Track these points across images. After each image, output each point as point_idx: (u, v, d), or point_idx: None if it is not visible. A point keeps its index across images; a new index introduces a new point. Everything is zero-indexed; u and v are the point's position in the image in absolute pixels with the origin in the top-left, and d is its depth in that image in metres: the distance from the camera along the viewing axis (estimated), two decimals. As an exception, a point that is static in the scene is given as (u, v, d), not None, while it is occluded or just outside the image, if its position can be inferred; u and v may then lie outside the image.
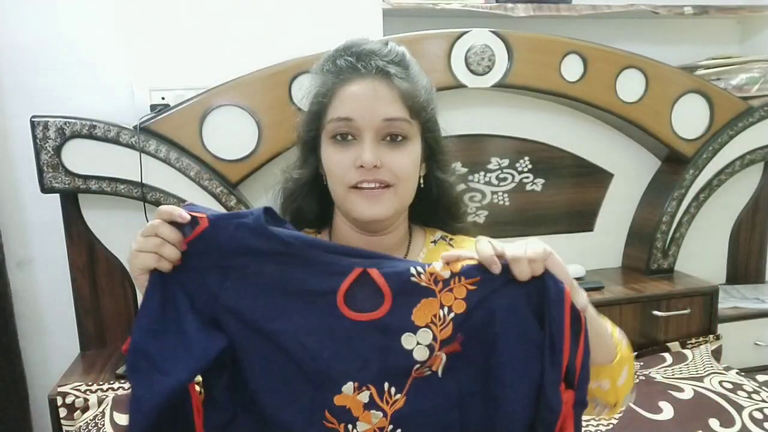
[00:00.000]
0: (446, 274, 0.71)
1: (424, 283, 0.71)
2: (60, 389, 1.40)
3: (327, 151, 0.85)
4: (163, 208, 0.71)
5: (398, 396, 0.72)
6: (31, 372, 1.71)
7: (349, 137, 0.83)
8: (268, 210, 0.75)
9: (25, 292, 1.69)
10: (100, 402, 1.38)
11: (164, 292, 0.72)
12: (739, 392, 1.57)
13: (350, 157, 0.82)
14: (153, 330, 0.70)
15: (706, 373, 1.67)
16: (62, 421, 1.38)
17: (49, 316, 1.72)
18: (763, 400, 1.54)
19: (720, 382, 1.62)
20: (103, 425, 1.33)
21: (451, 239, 0.97)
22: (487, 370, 0.71)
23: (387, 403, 0.72)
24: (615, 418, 1.45)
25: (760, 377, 1.70)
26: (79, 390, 1.40)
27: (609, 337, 0.80)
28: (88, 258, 1.63)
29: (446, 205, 0.96)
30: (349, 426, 0.71)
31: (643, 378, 1.64)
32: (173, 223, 0.71)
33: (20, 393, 1.65)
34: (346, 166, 0.82)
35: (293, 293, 0.72)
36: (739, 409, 1.49)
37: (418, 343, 0.71)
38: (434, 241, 0.96)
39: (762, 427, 1.43)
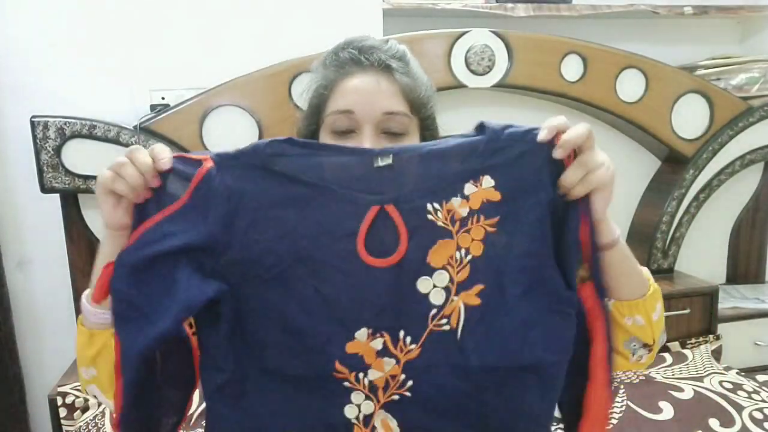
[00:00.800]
0: (464, 211, 0.69)
1: (440, 223, 0.69)
2: (60, 389, 1.40)
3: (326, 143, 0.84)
4: (157, 146, 0.68)
5: (413, 346, 0.69)
6: (31, 372, 1.71)
7: (349, 130, 0.83)
8: (273, 143, 0.70)
9: (25, 292, 1.69)
10: (100, 402, 1.38)
11: (154, 233, 0.67)
12: (739, 392, 1.57)
13: None
14: (137, 277, 0.67)
15: (706, 373, 1.67)
16: (62, 421, 1.38)
17: (49, 316, 1.71)
18: (763, 400, 1.54)
19: (720, 382, 1.62)
20: (103, 425, 1.33)
21: None
22: (510, 325, 0.68)
23: (401, 351, 0.69)
24: (615, 418, 1.45)
25: (760, 377, 1.70)
26: (79, 390, 1.40)
27: (640, 271, 0.81)
28: (88, 258, 1.63)
29: None
30: (360, 374, 0.69)
31: (643, 378, 1.64)
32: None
33: (17, 394, 1.65)
34: None
35: (311, 237, 0.69)
36: (739, 409, 1.49)
37: (434, 286, 0.69)
38: None
39: (762, 427, 1.43)
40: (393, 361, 0.69)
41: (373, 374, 0.69)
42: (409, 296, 0.69)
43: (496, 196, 0.69)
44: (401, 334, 0.69)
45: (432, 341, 0.69)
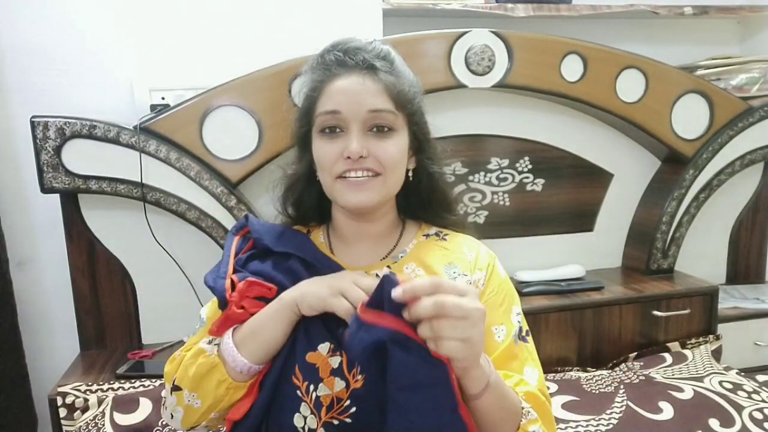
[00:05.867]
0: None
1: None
2: (60, 389, 1.40)
3: (316, 143, 0.88)
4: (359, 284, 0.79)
5: (359, 376, 0.76)
6: (31, 372, 1.70)
7: (337, 130, 0.86)
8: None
9: (25, 292, 1.69)
10: (100, 402, 1.38)
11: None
12: (739, 392, 1.57)
13: (338, 148, 0.85)
14: None
15: (706, 373, 1.67)
16: (62, 421, 1.38)
17: (49, 317, 1.71)
18: (763, 400, 1.54)
19: (720, 382, 1.62)
20: (103, 425, 1.33)
21: (445, 234, 0.98)
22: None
23: (353, 377, 0.76)
24: (615, 418, 1.45)
25: (760, 377, 1.70)
26: (79, 390, 1.40)
27: (513, 405, 0.77)
28: (88, 258, 1.63)
29: (438, 197, 0.98)
30: (311, 386, 0.76)
31: (643, 378, 1.64)
32: None
33: (25, 391, 1.65)
34: (333, 157, 0.85)
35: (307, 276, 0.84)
36: (739, 409, 1.49)
37: None
38: (427, 235, 0.98)
39: (762, 427, 1.43)
40: (343, 383, 0.76)
41: (322, 390, 0.76)
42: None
43: None
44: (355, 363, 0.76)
45: (374, 374, 0.74)
